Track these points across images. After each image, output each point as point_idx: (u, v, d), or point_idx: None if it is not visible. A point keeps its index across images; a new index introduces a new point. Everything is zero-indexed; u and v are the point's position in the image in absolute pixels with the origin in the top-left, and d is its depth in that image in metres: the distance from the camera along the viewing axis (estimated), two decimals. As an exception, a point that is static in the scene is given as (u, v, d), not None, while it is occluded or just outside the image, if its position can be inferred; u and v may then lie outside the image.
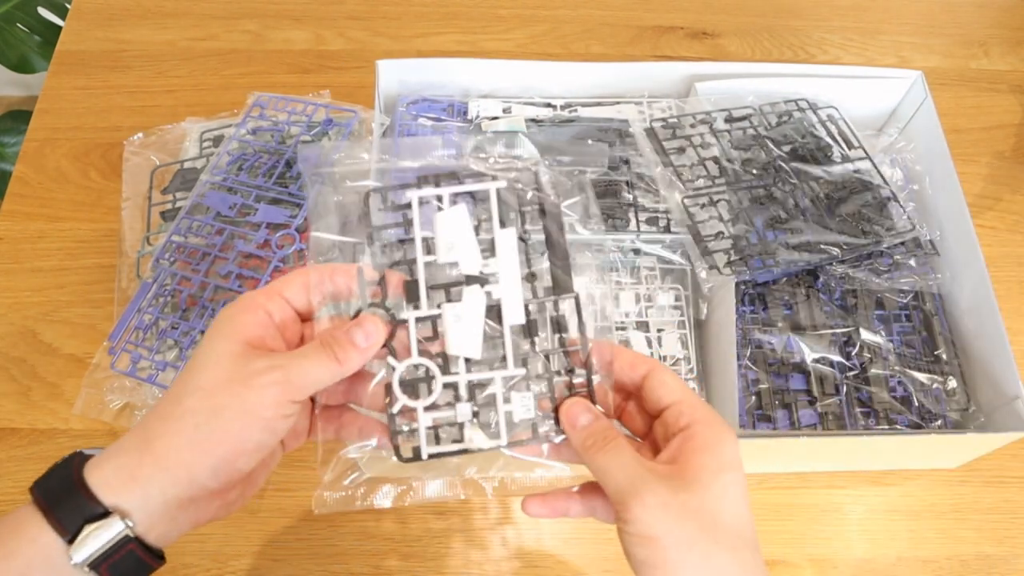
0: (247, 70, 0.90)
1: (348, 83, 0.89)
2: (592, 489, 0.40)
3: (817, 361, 0.66)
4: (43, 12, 1.26)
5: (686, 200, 0.69)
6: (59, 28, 0.93)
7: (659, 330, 0.69)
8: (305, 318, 0.40)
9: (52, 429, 0.67)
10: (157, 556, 0.35)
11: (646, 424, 0.40)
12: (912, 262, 0.70)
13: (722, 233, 0.67)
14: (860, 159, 0.74)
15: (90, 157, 0.83)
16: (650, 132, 0.73)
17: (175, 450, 0.34)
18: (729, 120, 0.75)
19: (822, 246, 0.67)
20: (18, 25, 1.25)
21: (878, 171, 0.73)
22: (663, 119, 0.75)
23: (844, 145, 0.75)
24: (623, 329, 0.69)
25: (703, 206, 0.69)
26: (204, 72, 0.90)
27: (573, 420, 0.38)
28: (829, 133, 0.75)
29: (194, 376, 0.35)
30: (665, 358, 0.68)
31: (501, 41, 0.95)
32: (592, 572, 0.64)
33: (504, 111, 0.77)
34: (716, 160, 0.72)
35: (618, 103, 0.80)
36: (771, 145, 0.73)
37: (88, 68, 0.89)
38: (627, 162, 0.73)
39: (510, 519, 0.66)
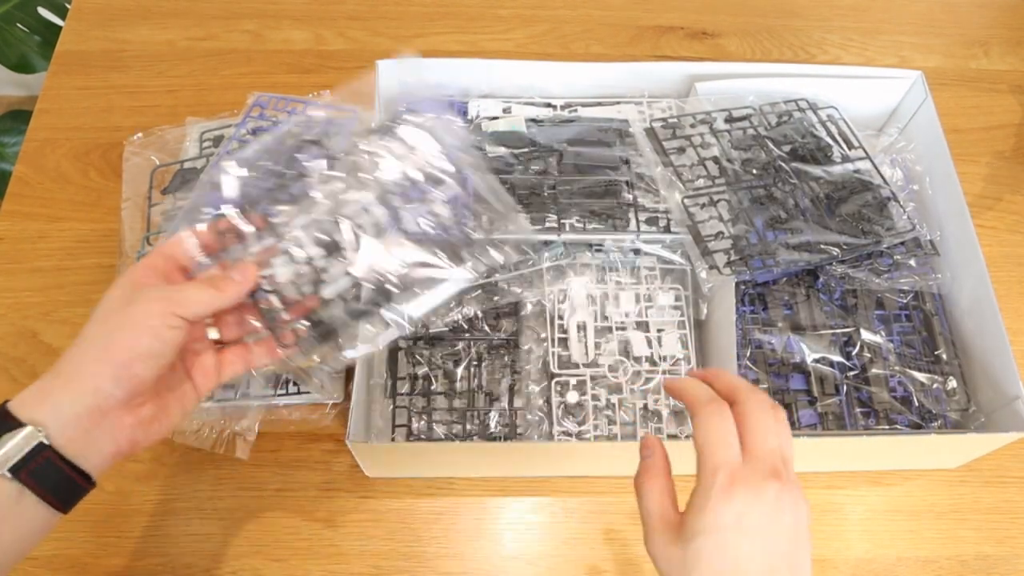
0: (247, 70, 0.90)
1: (348, 83, 0.89)
2: None
3: (817, 361, 0.66)
4: (43, 12, 1.26)
5: (686, 200, 0.69)
6: (59, 28, 0.93)
7: (659, 330, 0.69)
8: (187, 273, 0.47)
9: (52, 429, 0.67)
10: (82, 475, 0.40)
11: None
12: (912, 262, 0.70)
13: (722, 233, 0.67)
14: (860, 159, 0.74)
15: (90, 157, 0.83)
16: (650, 132, 0.73)
17: (77, 365, 0.40)
18: (729, 120, 0.75)
19: (822, 246, 0.67)
20: (18, 25, 1.25)
21: (878, 171, 0.73)
22: (663, 119, 0.75)
23: (844, 145, 0.75)
24: (623, 329, 0.69)
25: (703, 206, 0.69)
26: (204, 72, 0.90)
27: (643, 446, 0.43)
28: (829, 133, 0.75)
29: (92, 316, 0.42)
30: (665, 358, 0.68)
31: (501, 41, 0.95)
32: (592, 572, 0.65)
33: (504, 111, 0.77)
34: (716, 160, 0.72)
35: (618, 103, 0.80)
36: (771, 145, 0.73)
37: (88, 68, 0.89)
38: (627, 162, 0.73)
39: (510, 520, 0.66)
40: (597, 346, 0.68)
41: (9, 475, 0.38)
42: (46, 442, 0.39)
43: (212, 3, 0.95)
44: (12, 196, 0.80)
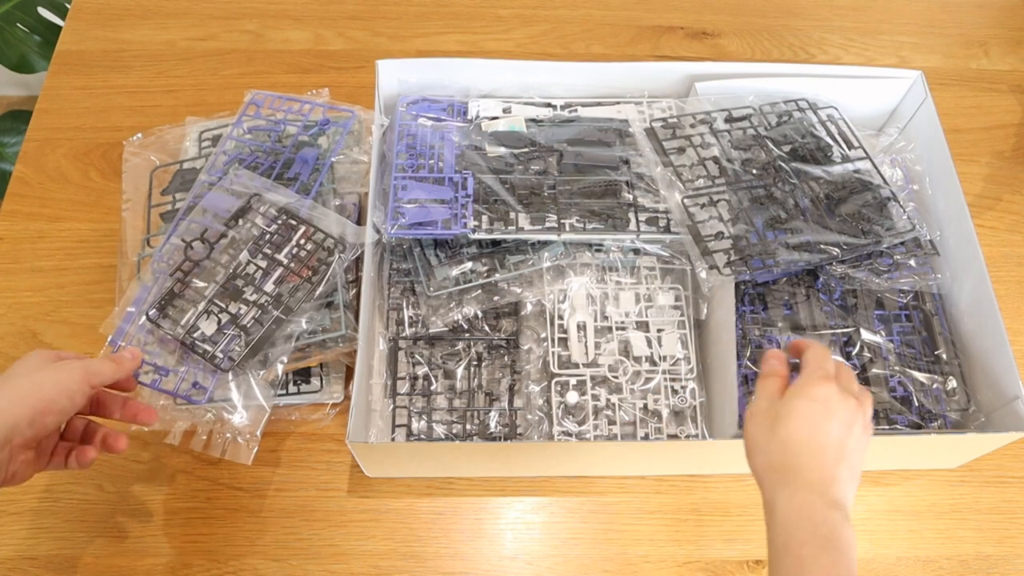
0: (247, 70, 0.90)
1: (348, 83, 0.89)
2: None
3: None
4: (43, 12, 1.26)
5: (686, 200, 0.69)
6: (59, 28, 0.93)
7: (659, 330, 0.69)
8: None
9: (52, 429, 0.67)
10: None
11: None
12: (912, 262, 0.70)
13: (722, 233, 0.67)
14: (860, 159, 0.74)
15: (90, 157, 0.83)
16: (650, 132, 0.73)
17: (5, 404, 0.49)
18: (729, 120, 0.75)
19: (822, 246, 0.67)
20: (18, 25, 1.25)
21: (878, 171, 0.73)
22: (663, 119, 0.75)
23: (844, 145, 0.75)
24: (623, 329, 0.69)
25: (703, 206, 0.69)
26: (204, 72, 0.90)
27: (767, 356, 0.54)
28: (829, 133, 0.75)
29: (20, 365, 0.52)
30: (665, 358, 0.68)
31: (501, 41, 0.95)
32: (592, 572, 0.65)
33: (504, 111, 0.77)
34: (716, 160, 0.72)
35: (618, 103, 0.80)
36: (771, 145, 0.73)
37: (88, 68, 0.89)
38: (627, 162, 0.73)
39: (510, 520, 0.66)
40: (597, 346, 0.68)
41: None
42: None
43: (212, 3, 0.95)
44: (12, 196, 0.80)
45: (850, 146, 0.75)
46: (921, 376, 0.67)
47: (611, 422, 0.66)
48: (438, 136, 0.74)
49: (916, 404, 0.66)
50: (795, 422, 0.48)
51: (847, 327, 0.68)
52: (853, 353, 0.67)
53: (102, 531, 0.64)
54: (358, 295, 0.66)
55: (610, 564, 0.65)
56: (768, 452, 0.48)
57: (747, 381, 0.65)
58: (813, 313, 0.68)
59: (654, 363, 0.68)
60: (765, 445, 0.48)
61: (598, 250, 0.71)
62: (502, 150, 0.74)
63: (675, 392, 0.67)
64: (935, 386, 0.67)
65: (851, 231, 0.68)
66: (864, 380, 0.66)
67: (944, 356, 0.68)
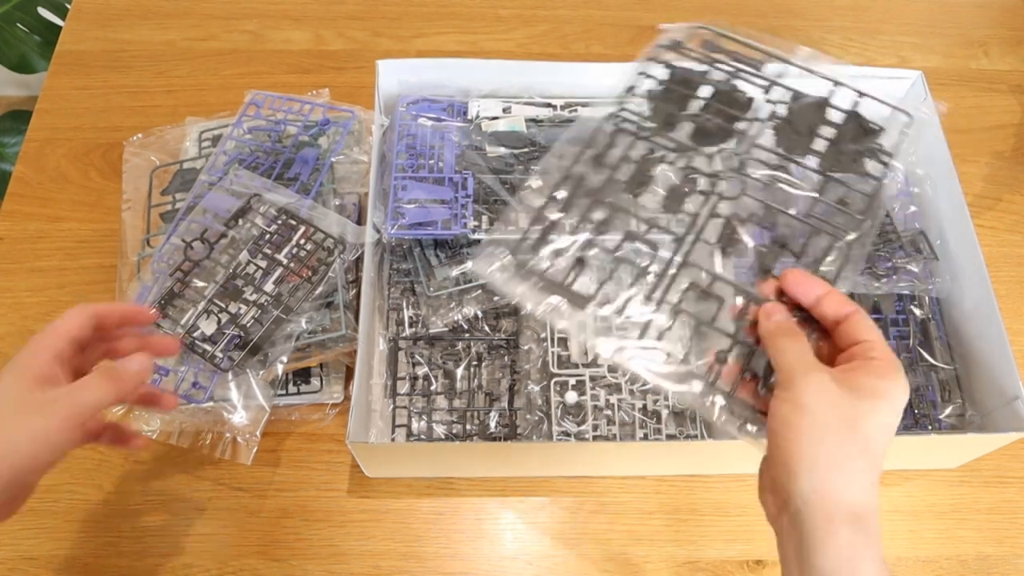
0: (247, 70, 0.90)
1: (348, 83, 0.89)
2: None
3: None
4: (43, 12, 1.27)
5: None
6: (59, 28, 0.93)
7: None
8: (83, 347, 0.47)
9: (52, 429, 0.67)
10: None
11: (829, 359, 0.42)
12: (911, 266, 0.70)
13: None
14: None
15: (90, 157, 0.83)
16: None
17: None
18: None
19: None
20: (18, 25, 1.25)
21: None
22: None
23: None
24: (623, 329, 0.69)
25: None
26: (204, 72, 0.90)
27: (769, 312, 0.43)
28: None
29: None
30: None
31: (501, 41, 0.95)
32: (592, 572, 0.65)
33: (504, 111, 0.77)
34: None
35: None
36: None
37: (88, 68, 0.89)
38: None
39: (510, 520, 0.66)
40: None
41: None
42: None
43: (212, 3, 0.95)
44: (12, 196, 0.80)
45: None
46: (917, 381, 0.67)
47: (610, 422, 0.66)
48: (438, 136, 0.74)
49: (912, 410, 0.66)
50: (880, 431, 0.37)
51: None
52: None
53: (102, 531, 0.64)
54: (358, 295, 0.66)
55: (610, 564, 0.65)
56: (841, 462, 0.36)
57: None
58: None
59: (654, 363, 0.68)
60: (835, 449, 0.36)
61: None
62: (502, 150, 0.74)
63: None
64: (930, 391, 0.67)
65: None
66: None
67: (940, 361, 0.68)
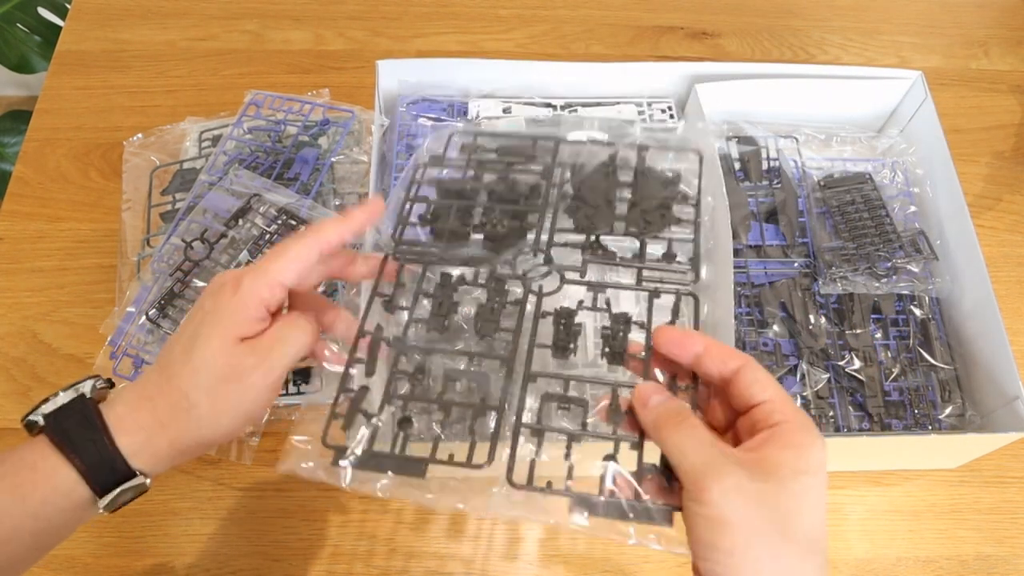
0: (247, 70, 0.90)
1: (348, 83, 0.89)
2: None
3: (812, 364, 0.66)
4: (43, 12, 1.27)
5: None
6: (59, 28, 0.93)
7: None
8: (292, 293, 0.43)
9: (52, 429, 0.67)
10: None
11: (728, 420, 0.39)
12: (911, 266, 0.70)
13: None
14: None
15: (90, 157, 0.83)
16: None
17: (186, 437, 0.41)
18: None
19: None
20: (18, 25, 1.25)
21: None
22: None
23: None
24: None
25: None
26: (204, 72, 0.90)
27: (644, 399, 0.38)
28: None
29: (194, 371, 0.40)
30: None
31: (501, 41, 0.95)
32: (592, 572, 0.65)
33: (504, 111, 0.77)
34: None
35: (618, 103, 0.80)
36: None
37: (88, 68, 0.89)
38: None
39: (510, 520, 0.66)
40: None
41: (103, 510, 0.41)
42: (148, 484, 0.41)
43: (212, 3, 0.95)
44: (12, 196, 0.80)
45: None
46: (916, 381, 0.67)
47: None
48: (438, 136, 0.74)
49: (911, 409, 0.66)
50: (815, 519, 0.33)
51: (843, 330, 0.68)
52: (848, 356, 0.67)
53: (102, 531, 0.64)
54: (358, 294, 0.66)
55: (610, 564, 0.65)
56: (783, 574, 0.33)
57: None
58: (808, 316, 0.68)
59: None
60: (774, 561, 0.32)
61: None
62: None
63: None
64: (930, 391, 0.67)
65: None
66: (859, 383, 0.66)
67: (940, 361, 0.68)
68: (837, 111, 0.80)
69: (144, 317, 0.64)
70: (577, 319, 0.44)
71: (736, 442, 0.37)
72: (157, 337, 0.64)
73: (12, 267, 0.76)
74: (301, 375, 0.69)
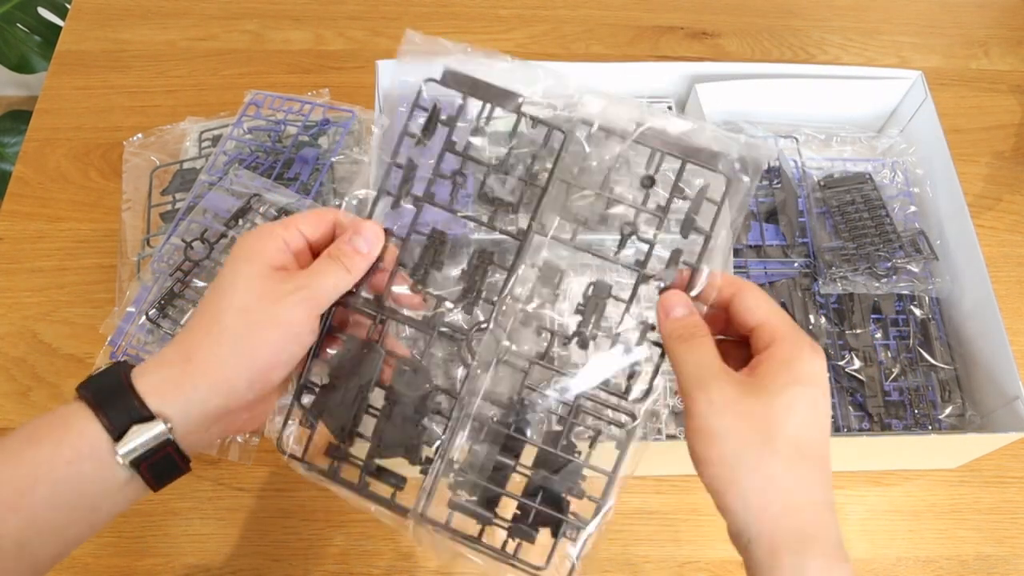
0: (247, 70, 0.90)
1: (348, 83, 0.89)
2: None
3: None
4: (43, 12, 1.26)
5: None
6: (59, 28, 0.93)
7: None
8: (315, 250, 0.42)
9: (52, 429, 0.67)
10: (186, 462, 0.39)
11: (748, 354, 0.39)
12: (911, 266, 0.70)
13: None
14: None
15: (90, 157, 0.83)
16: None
17: (217, 363, 0.37)
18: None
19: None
20: (18, 25, 1.25)
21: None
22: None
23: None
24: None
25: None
26: (204, 72, 0.90)
27: (669, 309, 0.39)
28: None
29: (226, 296, 0.38)
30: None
31: (501, 41, 0.95)
32: (592, 572, 0.64)
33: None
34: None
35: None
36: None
37: (88, 68, 0.89)
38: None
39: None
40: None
41: (128, 465, 0.37)
42: (171, 437, 0.37)
43: (212, 3, 0.95)
44: (12, 196, 0.80)
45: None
46: (917, 381, 0.67)
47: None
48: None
49: (911, 409, 0.66)
50: (804, 425, 0.34)
51: (843, 330, 0.68)
52: (848, 356, 0.67)
53: (102, 531, 0.64)
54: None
55: (610, 564, 0.65)
56: (769, 482, 0.33)
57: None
58: (809, 316, 0.68)
59: (654, 363, 0.68)
60: (758, 469, 0.33)
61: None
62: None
63: (675, 392, 0.67)
64: (930, 391, 0.67)
65: None
66: (859, 383, 0.66)
67: (940, 361, 0.68)
68: (837, 111, 0.80)
69: (144, 317, 0.64)
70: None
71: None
72: (157, 337, 0.64)
73: (12, 267, 0.76)
74: (301, 375, 0.68)
